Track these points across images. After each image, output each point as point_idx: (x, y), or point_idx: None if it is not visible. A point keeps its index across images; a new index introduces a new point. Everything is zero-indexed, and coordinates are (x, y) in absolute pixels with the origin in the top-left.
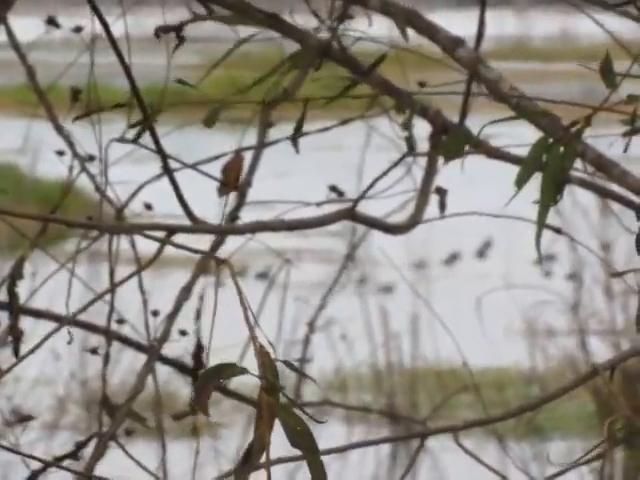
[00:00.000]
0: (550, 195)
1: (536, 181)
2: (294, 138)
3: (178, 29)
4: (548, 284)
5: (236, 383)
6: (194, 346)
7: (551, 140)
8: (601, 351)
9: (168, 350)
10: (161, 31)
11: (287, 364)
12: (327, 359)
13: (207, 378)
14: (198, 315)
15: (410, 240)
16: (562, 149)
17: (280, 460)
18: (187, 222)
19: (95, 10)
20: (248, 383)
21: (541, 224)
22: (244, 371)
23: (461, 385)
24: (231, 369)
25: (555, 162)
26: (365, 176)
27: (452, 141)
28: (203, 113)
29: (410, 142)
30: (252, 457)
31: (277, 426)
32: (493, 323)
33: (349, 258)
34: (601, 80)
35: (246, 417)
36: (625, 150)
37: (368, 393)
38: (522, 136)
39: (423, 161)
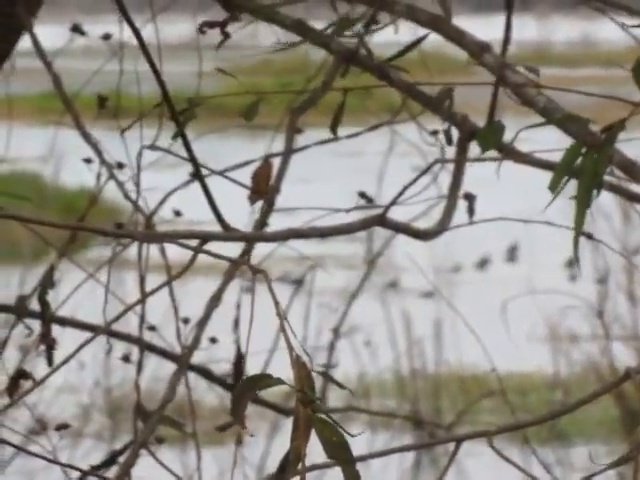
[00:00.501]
0: (586, 200)
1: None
2: (333, 130)
3: (223, 25)
4: (572, 289)
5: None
6: (234, 355)
7: (585, 146)
8: (624, 356)
9: (196, 358)
10: (206, 26)
11: (323, 375)
12: (351, 365)
13: (244, 389)
14: (236, 324)
15: (434, 245)
16: (596, 154)
17: (315, 467)
18: (214, 229)
19: (126, 16)
20: (272, 390)
21: (579, 229)
22: (280, 382)
23: (485, 390)
24: (267, 380)
25: (590, 167)
26: (387, 182)
27: (488, 135)
28: (223, 121)
29: (449, 138)
30: (289, 467)
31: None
32: (517, 328)
33: (372, 264)
34: (622, 85)
35: (269, 424)
36: None
37: (392, 399)
38: (545, 140)
39: (450, 168)
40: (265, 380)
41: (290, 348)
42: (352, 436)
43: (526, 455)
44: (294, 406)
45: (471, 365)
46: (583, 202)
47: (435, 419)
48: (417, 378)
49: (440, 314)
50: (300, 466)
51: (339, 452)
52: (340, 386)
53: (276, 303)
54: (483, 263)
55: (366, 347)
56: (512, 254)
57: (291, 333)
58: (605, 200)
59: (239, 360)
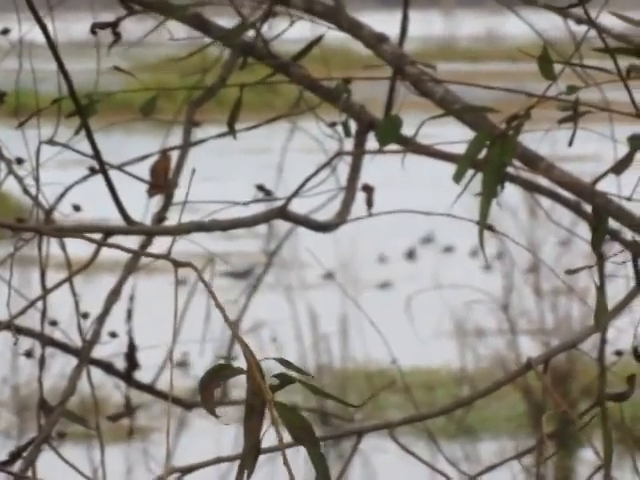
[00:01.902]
0: (492, 190)
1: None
2: (230, 125)
3: (114, 25)
4: (479, 284)
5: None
6: (127, 347)
7: (489, 136)
8: (531, 350)
9: (102, 353)
10: (98, 27)
11: (282, 362)
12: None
13: (208, 380)
14: (129, 316)
15: (338, 241)
16: (500, 145)
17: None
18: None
19: (34, 13)
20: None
21: (484, 218)
22: (242, 371)
23: (389, 382)
24: (229, 370)
25: (495, 158)
26: (289, 176)
27: (385, 129)
28: (127, 117)
29: (347, 130)
30: (247, 456)
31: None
32: (423, 323)
33: (272, 258)
34: (528, 80)
35: (177, 421)
36: (570, 143)
37: (298, 395)
38: (450, 136)
39: (348, 160)
40: (228, 370)
41: (240, 340)
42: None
43: (433, 451)
44: (246, 394)
45: (377, 361)
46: (488, 193)
47: (341, 414)
48: (323, 374)
49: (346, 310)
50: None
51: (305, 435)
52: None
53: (212, 295)
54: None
55: (272, 343)
56: (413, 251)
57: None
58: (511, 195)
59: (132, 351)
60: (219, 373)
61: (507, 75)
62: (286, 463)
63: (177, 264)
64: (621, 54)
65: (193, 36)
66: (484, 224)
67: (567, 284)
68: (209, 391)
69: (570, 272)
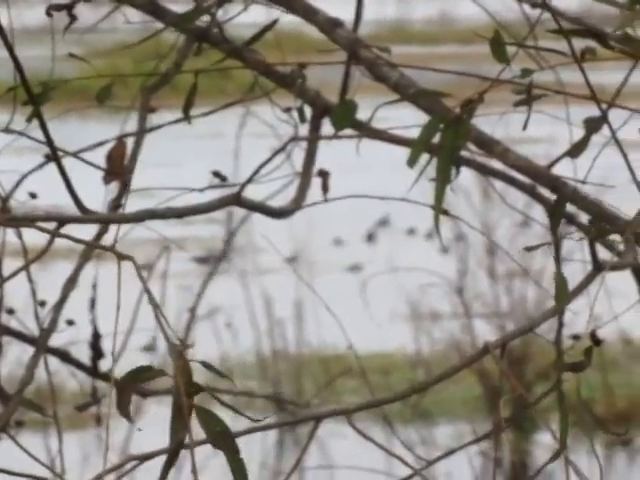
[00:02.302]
0: (446, 174)
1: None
2: (185, 111)
3: (69, 7)
4: (433, 267)
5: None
6: (91, 335)
7: (443, 120)
8: (486, 334)
9: (58, 341)
10: (53, 9)
11: (204, 364)
12: (212, 347)
13: (126, 382)
14: (93, 304)
15: (294, 226)
16: (454, 128)
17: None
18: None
19: None
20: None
21: (439, 203)
22: (162, 373)
23: (346, 369)
24: (150, 372)
25: (449, 142)
26: (244, 162)
27: (341, 114)
28: (82, 104)
29: (302, 115)
30: (171, 455)
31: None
32: (378, 307)
33: (228, 244)
34: (480, 63)
35: (133, 409)
36: (525, 127)
37: (254, 381)
38: (404, 119)
39: (303, 145)
40: (148, 372)
41: (167, 338)
42: (255, 420)
43: (389, 435)
44: (173, 395)
45: (333, 346)
46: (443, 177)
47: (297, 400)
48: (279, 359)
49: (301, 295)
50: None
51: (223, 441)
52: (205, 365)
53: (146, 289)
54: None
55: (227, 329)
56: (369, 235)
57: (163, 318)
58: (464, 178)
59: (96, 340)
60: (138, 376)
61: (461, 58)
62: (194, 470)
63: (120, 256)
64: (575, 36)
65: (148, 21)
66: (439, 208)
67: (522, 266)
68: (126, 394)
69: (527, 249)
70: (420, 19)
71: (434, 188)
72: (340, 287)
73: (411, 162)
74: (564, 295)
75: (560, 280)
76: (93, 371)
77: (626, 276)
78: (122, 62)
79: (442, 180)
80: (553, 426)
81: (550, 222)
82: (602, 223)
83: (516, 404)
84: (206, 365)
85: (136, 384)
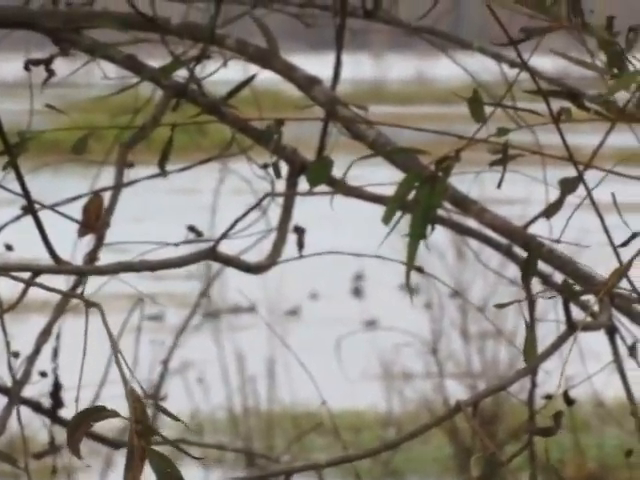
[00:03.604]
0: (420, 231)
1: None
2: (161, 166)
3: (47, 62)
4: (407, 326)
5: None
6: (52, 385)
7: (419, 177)
8: (458, 394)
9: (29, 392)
10: (32, 63)
11: (157, 407)
12: (183, 402)
13: (78, 421)
14: (55, 354)
15: (267, 283)
16: (430, 187)
17: None
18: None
19: None
20: (105, 424)
21: (411, 260)
22: (115, 414)
23: (318, 423)
24: (102, 412)
25: (424, 199)
26: (221, 218)
27: (316, 171)
28: (58, 157)
29: (277, 171)
30: None
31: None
32: (350, 366)
33: (202, 298)
34: (457, 123)
35: (103, 459)
36: (499, 185)
37: (225, 437)
38: (381, 179)
39: (280, 201)
40: (100, 412)
41: (125, 380)
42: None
43: None
44: (128, 438)
45: (304, 403)
46: (416, 234)
47: (268, 456)
48: (250, 416)
49: (273, 352)
50: None
51: None
52: (173, 417)
53: (110, 336)
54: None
55: (199, 384)
56: (356, 287)
57: (124, 366)
58: (439, 238)
59: (57, 390)
60: (90, 416)
61: (438, 118)
62: None
63: (88, 304)
64: (552, 96)
65: (126, 76)
66: (411, 265)
67: (495, 326)
68: (78, 433)
69: (499, 306)
70: (397, 79)
71: (407, 245)
72: (312, 343)
73: (386, 219)
74: (533, 353)
75: (530, 338)
76: (53, 418)
77: (600, 337)
78: (98, 117)
79: (415, 237)
80: None
81: (522, 275)
82: (576, 283)
83: (487, 463)
84: (167, 413)
85: (88, 424)
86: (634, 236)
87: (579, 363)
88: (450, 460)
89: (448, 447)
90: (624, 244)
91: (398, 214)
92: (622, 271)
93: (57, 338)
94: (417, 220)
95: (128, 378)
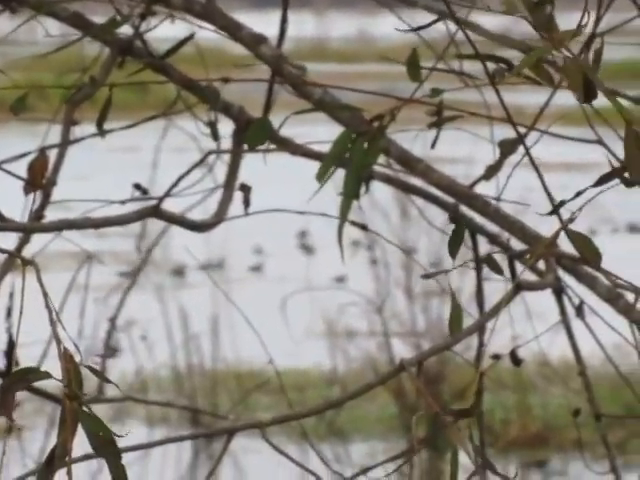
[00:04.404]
0: (353, 190)
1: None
2: (99, 125)
3: None
4: (349, 285)
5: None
6: (7, 344)
7: (354, 134)
8: (402, 353)
9: None
10: None
11: (91, 369)
12: (128, 361)
13: (12, 382)
14: (9, 313)
15: (211, 240)
16: (366, 144)
17: (80, 459)
18: None
19: None
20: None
21: (344, 218)
22: (48, 376)
23: (263, 382)
24: (36, 373)
25: (358, 157)
26: (164, 175)
27: (255, 131)
28: (1, 116)
29: (215, 131)
30: (55, 460)
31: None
32: (294, 325)
33: (145, 257)
34: (399, 81)
35: (48, 420)
36: (433, 146)
37: (169, 395)
38: (325, 136)
39: (226, 159)
40: (34, 374)
41: (58, 341)
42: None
43: (304, 452)
44: (61, 400)
45: (248, 361)
46: (350, 192)
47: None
48: (194, 374)
49: (217, 309)
50: (67, 459)
51: (105, 446)
52: (104, 379)
53: (45, 295)
54: (257, 258)
55: (143, 342)
56: (302, 244)
57: (64, 326)
58: (383, 197)
59: (11, 348)
60: (22, 377)
61: (381, 76)
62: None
63: (24, 261)
64: (487, 60)
65: (70, 34)
66: (343, 224)
67: (440, 285)
68: (10, 395)
69: (425, 277)
70: (339, 37)
71: (340, 203)
72: (256, 302)
73: (320, 176)
74: (459, 323)
75: (455, 307)
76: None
77: (547, 297)
78: (42, 75)
79: (348, 195)
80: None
81: (450, 241)
82: (523, 242)
83: (432, 423)
84: (93, 370)
85: (22, 384)
86: (578, 194)
87: (525, 323)
88: (395, 419)
89: (393, 406)
90: (560, 204)
91: (334, 171)
92: (560, 231)
93: (10, 297)
94: (350, 178)
95: (65, 338)
